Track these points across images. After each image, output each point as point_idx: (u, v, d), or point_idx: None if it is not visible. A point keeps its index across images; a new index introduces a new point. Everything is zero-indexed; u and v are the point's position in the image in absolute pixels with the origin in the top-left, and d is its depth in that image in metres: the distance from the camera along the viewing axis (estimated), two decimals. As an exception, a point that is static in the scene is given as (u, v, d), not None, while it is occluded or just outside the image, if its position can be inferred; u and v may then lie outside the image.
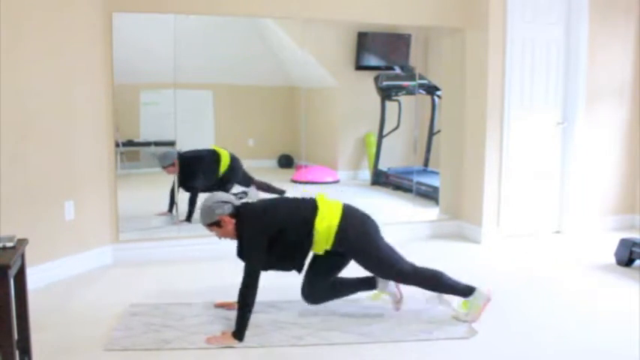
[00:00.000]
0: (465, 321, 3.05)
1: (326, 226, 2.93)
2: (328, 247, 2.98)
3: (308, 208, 2.97)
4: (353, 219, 3.02)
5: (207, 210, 2.94)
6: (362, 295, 3.26)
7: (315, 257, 3.14)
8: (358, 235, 2.99)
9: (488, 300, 3.09)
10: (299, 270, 3.05)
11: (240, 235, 2.93)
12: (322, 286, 3.09)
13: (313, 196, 3.09)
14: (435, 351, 2.76)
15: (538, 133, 4.93)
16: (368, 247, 3.01)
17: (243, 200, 3.06)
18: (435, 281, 3.08)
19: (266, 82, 5.93)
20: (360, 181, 6.30)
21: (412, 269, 3.04)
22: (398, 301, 3.19)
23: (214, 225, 2.95)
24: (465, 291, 3.09)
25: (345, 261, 3.13)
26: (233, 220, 2.93)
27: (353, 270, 3.13)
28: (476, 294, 3.07)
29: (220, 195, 3.01)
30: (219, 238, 3.02)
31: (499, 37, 4.64)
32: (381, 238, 3.06)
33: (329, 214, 2.95)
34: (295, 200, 3.11)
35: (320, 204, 3.00)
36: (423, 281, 3.07)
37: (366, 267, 3.06)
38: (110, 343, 2.78)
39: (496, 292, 3.56)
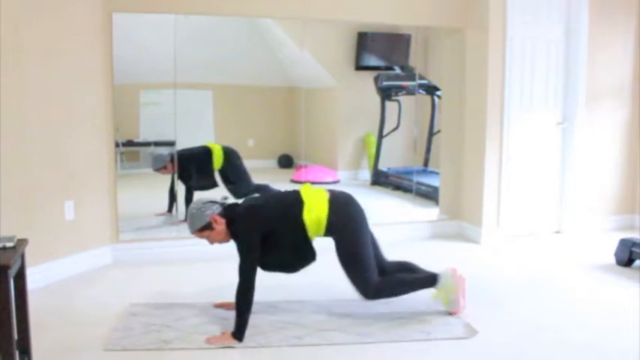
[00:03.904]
0: (454, 312, 3.08)
1: (315, 216, 2.93)
2: (320, 234, 2.99)
3: (293, 202, 2.96)
4: (342, 207, 3.01)
5: (196, 213, 2.93)
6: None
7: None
8: (349, 224, 2.99)
9: (456, 276, 3.07)
10: (310, 259, 3.05)
11: (233, 235, 2.93)
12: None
13: (297, 189, 3.08)
14: (434, 351, 2.76)
15: (538, 133, 4.93)
16: (353, 238, 2.99)
17: (228, 202, 3.06)
18: (398, 289, 3.07)
19: (266, 82, 5.93)
20: (360, 181, 6.30)
21: (379, 281, 3.01)
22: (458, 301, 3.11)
23: (206, 229, 2.93)
24: (430, 281, 3.08)
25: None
26: (224, 220, 2.93)
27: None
28: (441, 280, 3.06)
29: (204, 198, 3.02)
30: (211, 243, 3.00)
31: (499, 37, 4.63)
32: (367, 236, 3.04)
33: (316, 204, 2.95)
34: (281, 195, 3.11)
35: (305, 196, 2.98)
36: (389, 290, 3.06)
37: (342, 258, 3.00)
38: (110, 343, 2.78)
39: (496, 291, 3.57)
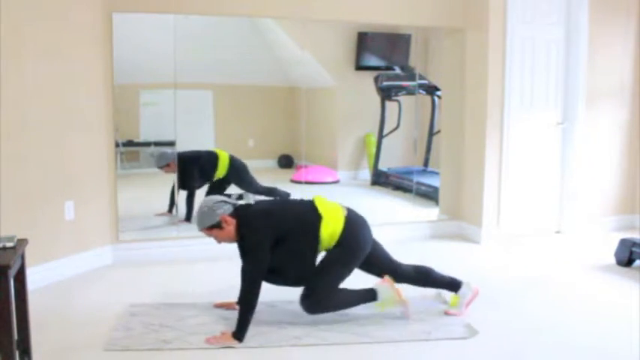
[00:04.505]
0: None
1: (330, 231, 2.91)
2: (329, 248, 2.98)
3: (311, 215, 2.93)
4: (356, 226, 2.99)
5: (207, 211, 2.90)
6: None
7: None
8: (354, 244, 2.97)
9: (393, 286, 3.05)
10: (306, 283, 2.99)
11: (242, 237, 2.90)
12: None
13: (311, 199, 3.06)
14: (434, 351, 2.76)
15: (538, 133, 4.92)
16: (348, 258, 2.97)
17: (241, 202, 3.04)
18: (341, 304, 3.00)
19: (266, 82, 5.93)
20: (360, 181, 6.30)
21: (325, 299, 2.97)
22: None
23: (215, 227, 2.90)
24: (370, 296, 3.03)
25: None
26: (234, 221, 2.91)
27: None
28: (379, 294, 3.02)
29: (218, 196, 2.99)
30: (219, 242, 2.98)
31: (499, 37, 4.64)
32: (359, 262, 3.01)
33: (333, 219, 2.93)
34: (296, 204, 3.08)
35: (321, 209, 2.95)
36: (331, 307, 3.00)
37: (325, 263, 2.96)
38: (110, 343, 2.78)
39: (496, 292, 3.56)
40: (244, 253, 2.90)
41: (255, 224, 2.88)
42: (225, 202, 2.94)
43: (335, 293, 2.98)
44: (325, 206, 2.98)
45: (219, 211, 2.89)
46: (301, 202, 3.08)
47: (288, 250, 2.90)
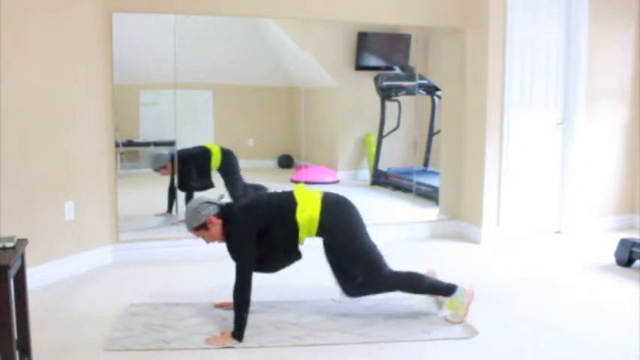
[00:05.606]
0: (454, 321, 3.04)
1: (307, 216, 2.93)
2: (312, 234, 2.99)
3: (287, 203, 2.97)
4: (335, 206, 3.01)
5: (193, 213, 2.93)
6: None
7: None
8: (342, 222, 2.99)
9: (472, 295, 3.08)
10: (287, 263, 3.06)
11: (228, 235, 2.93)
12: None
13: (291, 189, 3.08)
14: (434, 351, 2.76)
15: (538, 133, 4.92)
16: (351, 236, 2.99)
17: (224, 201, 3.06)
18: (413, 283, 3.04)
19: (266, 82, 5.93)
20: (360, 181, 6.30)
21: (392, 272, 3.00)
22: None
23: (201, 228, 2.93)
24: (447, 290, 3.06)
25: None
26: (220, 221, 2.93)
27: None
28: (458, 292, 3.05)
29: (204, 197, 3.03)
30: (207, 242, 3.01)
31: (499, 37, 4.64)
32: (365, 231, 3.03)
33: (309, 204, 2.95)
34: (275, 195, 3.11)
35: (298, 196, 2.99)
36: (402, 284, 3.03)
37: (346, 258, 3.01)
38: (110, 343, 2.78)
39: (496, 292, 3.56)
40: (232, 251, 2.93)
41: (237, 221, 2.91)
42: (211, 202, 2.97)
43: (381, 261, 2.99)
44: (302, 193, 3.02)
45: (205, 212, 2.92)
46: (282, 192, 3.11)
47: (271, 240, 2.94)
